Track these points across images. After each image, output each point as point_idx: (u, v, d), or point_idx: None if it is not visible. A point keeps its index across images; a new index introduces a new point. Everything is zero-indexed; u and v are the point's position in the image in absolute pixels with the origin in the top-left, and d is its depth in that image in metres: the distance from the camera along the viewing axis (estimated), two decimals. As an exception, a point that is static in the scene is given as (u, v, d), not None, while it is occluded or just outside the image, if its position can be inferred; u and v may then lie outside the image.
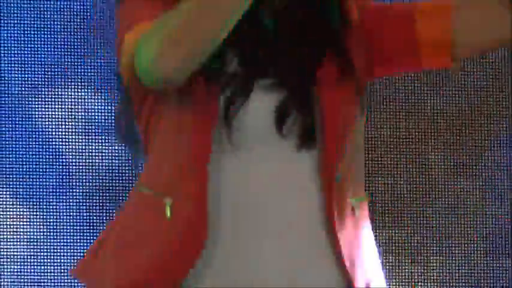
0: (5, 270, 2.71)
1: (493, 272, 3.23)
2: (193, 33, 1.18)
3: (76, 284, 2.64)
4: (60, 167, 2.75)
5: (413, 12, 1.32)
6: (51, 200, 2.75)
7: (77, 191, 2.77)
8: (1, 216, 2.71)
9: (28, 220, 2.71)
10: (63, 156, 2.75)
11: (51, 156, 2.77)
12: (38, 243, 2.75)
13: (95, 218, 2.77)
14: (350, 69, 1.29)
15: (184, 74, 1.17)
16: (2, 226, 2.72)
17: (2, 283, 2.69)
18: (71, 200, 2.77)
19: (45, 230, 2.76)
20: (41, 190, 2.74)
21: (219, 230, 1.23)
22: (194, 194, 1.22)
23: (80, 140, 2.79)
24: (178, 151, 1.25)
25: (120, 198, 2.80)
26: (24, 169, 2.75)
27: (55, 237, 2.76)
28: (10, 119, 2.79)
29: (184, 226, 1.23)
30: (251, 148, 1.24)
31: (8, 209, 2.71)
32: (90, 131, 2.85)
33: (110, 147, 2.79)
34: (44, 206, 2.74)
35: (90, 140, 2.80)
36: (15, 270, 2.70)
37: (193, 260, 1.20)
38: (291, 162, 1.26)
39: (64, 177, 2.76)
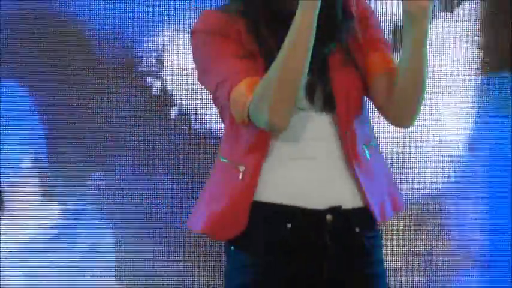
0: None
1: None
2: (292, 85, 1.79)
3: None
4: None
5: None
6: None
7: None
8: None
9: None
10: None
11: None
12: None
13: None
14: (350, 57, 1.89)
15: (288, 120, 1.80)
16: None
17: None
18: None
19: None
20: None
21: (278, 155, 1.88)
22: (255, 164, 1.86)
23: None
24: (248, 133, 1.85)
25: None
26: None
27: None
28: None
29: (247, 184, 1.87)
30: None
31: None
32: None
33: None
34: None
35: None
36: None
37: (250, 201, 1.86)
38: (318, 120, 1.88)
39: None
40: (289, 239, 1.91)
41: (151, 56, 3.39)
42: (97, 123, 3.20)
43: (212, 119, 3.10)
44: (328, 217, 1.93)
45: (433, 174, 3.86)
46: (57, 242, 3.13)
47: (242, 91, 1.87)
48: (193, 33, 2.04)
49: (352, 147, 1.95)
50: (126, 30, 3.25)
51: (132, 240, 3.30)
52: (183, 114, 3.38)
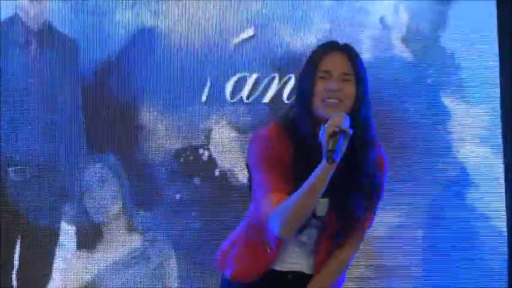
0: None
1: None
2: (299, 219, 2.58)
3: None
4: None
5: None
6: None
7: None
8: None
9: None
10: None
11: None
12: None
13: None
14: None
15: (292, 236, 2.62)
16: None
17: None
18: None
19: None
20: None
21: (287, 252, 2.69)
22: (280, 242, 2.67)
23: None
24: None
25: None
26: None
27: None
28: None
29: (271, 254, 2.68)
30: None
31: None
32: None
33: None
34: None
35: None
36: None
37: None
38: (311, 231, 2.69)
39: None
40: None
41: (202, 135, 4.60)
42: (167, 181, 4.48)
43: (244, 177, 4.27)
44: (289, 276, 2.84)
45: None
46: (137, 259, 4.43)
47: (270, 203, 2.69)
48: (257, 141, 2.80)
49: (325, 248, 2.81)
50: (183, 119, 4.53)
51: (188, 258, 4.47)
52: (224, 173, 4.61)
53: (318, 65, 2.77)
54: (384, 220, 4.68)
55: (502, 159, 4.78)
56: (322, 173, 2.61)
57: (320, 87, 2.73)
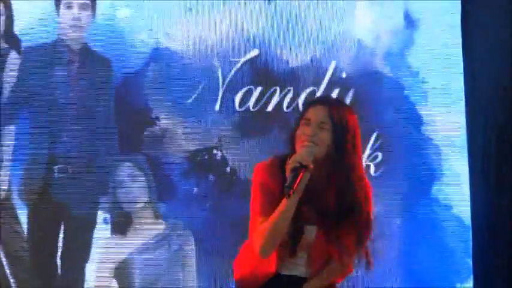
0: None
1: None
2: (276, 240, 2.98)
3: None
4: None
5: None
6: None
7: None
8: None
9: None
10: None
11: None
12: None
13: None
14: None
15: (267, 257, 3.03)
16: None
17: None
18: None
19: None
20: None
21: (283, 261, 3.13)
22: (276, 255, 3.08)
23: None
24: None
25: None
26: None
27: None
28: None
29: (271, 260, 3.08)
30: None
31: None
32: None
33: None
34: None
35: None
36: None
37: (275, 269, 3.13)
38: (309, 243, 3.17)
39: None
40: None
41: (216, 138, 5.05)
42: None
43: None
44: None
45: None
46: (161, 243, 4.96)
47: (254, 225, 3.10)
48: (256, 170, 3.18)
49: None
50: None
51: (203, 242, 4.94)
52: (234, 170, 5.04)
53: (303, 114, 3.16)
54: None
55: (467, 157, 5.11)
56: (284, 205, 3.00)
57: (300, 131, 3.11)
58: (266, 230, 3.08)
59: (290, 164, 3.01)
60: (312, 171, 2.99)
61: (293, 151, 3.10)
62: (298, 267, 3.25)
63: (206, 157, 5.08)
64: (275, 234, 3.07)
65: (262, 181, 3.19)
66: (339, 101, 3.33)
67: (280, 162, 3.17)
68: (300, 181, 2.96)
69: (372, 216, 3.20)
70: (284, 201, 3.03)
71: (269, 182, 3.17)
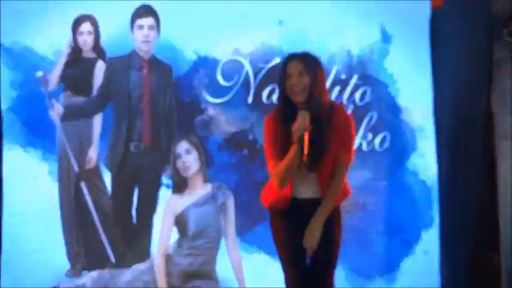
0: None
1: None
2: (290, 174, 3.67)
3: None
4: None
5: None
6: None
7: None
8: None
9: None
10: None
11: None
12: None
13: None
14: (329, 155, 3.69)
15: (286, 185, 3.73)
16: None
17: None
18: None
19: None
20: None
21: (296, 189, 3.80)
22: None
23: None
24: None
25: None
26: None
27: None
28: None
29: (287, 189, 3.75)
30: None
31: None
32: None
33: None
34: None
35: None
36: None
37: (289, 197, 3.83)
38: (308, 176, 3.77)
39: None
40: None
41: (249, 123, 5.59)
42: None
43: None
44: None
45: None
46: (209, 200, 5.48)
47: (270, 167, 3.57)
48: (265, 123, 3.65)
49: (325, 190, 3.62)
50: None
51: (240, 198, 5.45)
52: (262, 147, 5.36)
53: (284, 71, 3.56)
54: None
55: (434, 138, 5.67)
56: (293, 150, 3.47)
57: (288, 84, 3.50)
58: (281, 170, 3.56)
59: (295, 135, 3.45)
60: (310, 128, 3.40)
61: (286, 100, 3.47)
62: (308, 191, 3.70)
63: (242, 137, 5.66)
64: (288, 172, 3.58)
65: (271, 130, 3.61)
66: (307, 54, 3.61)
67: (281, 110, 3.57)
68: (307, 143, 3.45)
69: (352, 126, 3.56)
70: (293, 146, 3.45)
71: (276, 129, 3.57)
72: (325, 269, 3.71)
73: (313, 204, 3.68)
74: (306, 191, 3.67)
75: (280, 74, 3.60)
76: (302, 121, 3.42)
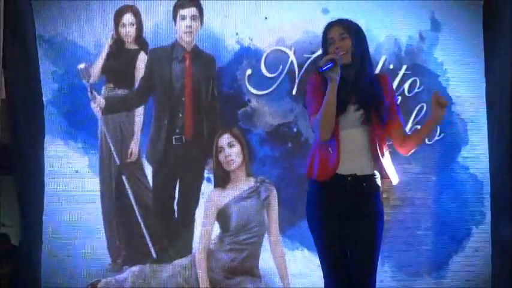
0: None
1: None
2: (329, 123, 3.43)
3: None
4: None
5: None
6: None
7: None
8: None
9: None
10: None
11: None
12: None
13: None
14: (381, 111, 3.52)
15: (329, 136, 3.46)
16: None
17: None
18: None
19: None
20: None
21: (343, 152, 3.51)
22: (336, 141, 3.47)
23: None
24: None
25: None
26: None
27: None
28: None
29: (334, 155, 3.47)
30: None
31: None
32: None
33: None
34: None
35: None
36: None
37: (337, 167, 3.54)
38: (360, 131, 3.54)
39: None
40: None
41: (293, 115, 5.60)
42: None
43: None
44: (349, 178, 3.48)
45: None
46: (252, 194, 5.53)
47: (312, 120, 3.44)
48: (307, 83, 3.58)
49: (377, 148, 3.43)
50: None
51: (283, 192, 5.46)
52: (306, 139, 5.56)
53: (325, 38, 3.56)
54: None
55: (488, 138, 5.59)
56: (329, 89, 3.38)
57: (331, 50, 3.51)
58: (319, 117, 3.46)
59: (326, 56, 3.47)
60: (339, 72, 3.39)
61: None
62: (355, 167, 3.55)
63: (285, 129, 5.62)
64: (326, 117, 3.46)
65: (315, 85, 3.58)
66: (346, 19, 3.66)
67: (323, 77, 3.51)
68: (328, 69, 3.37)
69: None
70: (328, 89, 3.42)
71: (320, 86, 3.54)
72: (366, 268, 3.60)
73: (358, 183, 3.55)
74: (351, 168, 3.55)
75: (323, 43, 3.61)
76: (334, 54, 3.48)
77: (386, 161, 3.59)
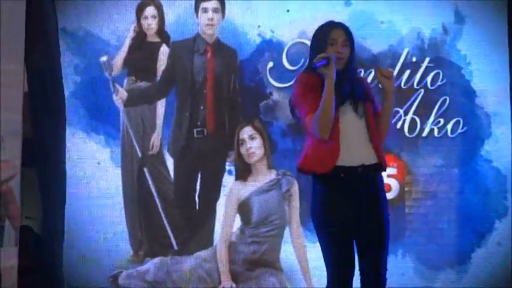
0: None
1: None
2: (329, 120, 3.42)
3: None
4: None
5: None
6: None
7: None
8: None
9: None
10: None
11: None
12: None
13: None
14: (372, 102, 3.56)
15: (328, 134, 3.46)
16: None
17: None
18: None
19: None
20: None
21: (343, 143, 3.49)
22: (335, 133, 3.46)
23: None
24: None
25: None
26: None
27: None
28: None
29: (334, 146, 3.47)
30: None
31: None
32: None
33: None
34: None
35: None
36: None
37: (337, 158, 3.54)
38: (358, 122, 3.54)
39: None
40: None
41: None
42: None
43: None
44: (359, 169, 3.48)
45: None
46: (274, 186, 5.53)
47: (307, 120, 3.42)
48: (296, 81, 3.53)
49: (375, 135, 3.46)
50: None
51: (303, 186, 5.37)
52: None
53: (327, 36, 3.54)
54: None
55: (510, 126, 5.61)
56: (326, 85, 3.38)
57: (331, 50, 3.52)
58: (319, 115, 3.45)
59: (319, 56, 3.46)
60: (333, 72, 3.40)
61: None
62: (362, 158, 3.56)
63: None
64: (326, 114, 3.46)
65: (307, 83, 3.56)
66: (345, 24, 3.70)
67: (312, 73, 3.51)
68: (322, 65, 3.41)
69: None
70: (326, 85, 3.42)
71: (313, 82, 3.52)
72: (377, 250, 3.58)
73: (368, 173, 3.58)
74: (361, 155, 3.56)
75: (320, 40, 3.60)
76: (330, 54, 3.49)
77: (383, 153, 3.64)
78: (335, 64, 3.45)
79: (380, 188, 3.61)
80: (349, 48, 3.59)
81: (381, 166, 3.60)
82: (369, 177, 3.56)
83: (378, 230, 3.55)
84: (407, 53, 5.62)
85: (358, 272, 3.59)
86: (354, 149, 3.55)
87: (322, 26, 3.63)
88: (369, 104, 3.60)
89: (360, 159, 3.54)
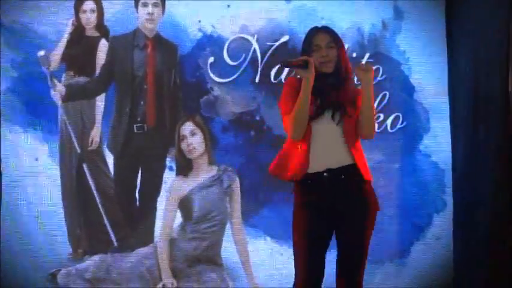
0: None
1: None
2: (302, 121, 3.45)
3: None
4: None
5: None
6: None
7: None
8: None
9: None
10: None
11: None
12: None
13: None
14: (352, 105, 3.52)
15: (301, 136, 3.49)
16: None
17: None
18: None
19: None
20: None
21: (314, 149, 3.49)
22: (307, 141, 3.49)
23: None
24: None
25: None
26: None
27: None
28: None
29: (304, 153, 3.46)
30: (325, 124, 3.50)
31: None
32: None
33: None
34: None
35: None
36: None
37: (307, 165, 3.54)
38: (334, 129, 3.52)
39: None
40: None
41: (256, 103, 5.54)
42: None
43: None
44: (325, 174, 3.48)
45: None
46: (214, 182, 5.51)
47: (285, 119, 3.47)
48: (284, 84, 3.61)
49: (351, 142, 3.43)
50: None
51: (245, 180, 5.43)
52: (269, 128, 5.54)
53: (310, 43, 3.59)
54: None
55: (448, 119, 5.61)
56: (302, 87, 3.44)
57: (316, 56, 3.55)
58: (292, 116, 3.50)
59: (299, 58, 3.53)
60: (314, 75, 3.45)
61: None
62: (328, 161, 3.55)
63: (248, 117, 5.61)
64: (300, 115, 3.51)
65: (291, 86, 3.63)
66: (329, 27, 3.73)
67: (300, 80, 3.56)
68: (296, 67, 3.50)
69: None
70: (300, 93, 3.47)
71: (296, 87, 3.59)
72: (354, 263, 3.63)
73: (336, 177, 3.56)
74: (325, 161, 3.56)
75: (305, 46, 3.64)
76: (308, 58, 3.52)
77: (361, 156, 3.62)
78: (324, 67, 3.52)
79: (356, 193, 3.55)
80: (336, 49, 3.60)
81: (355, 167, 3.55)
82: (340, 181, 3.53)
83: (353, 238, 3.55)
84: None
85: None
86: (323, 155, 3.54)
87: (307, 33, 3.67)
88: (352, 108, 3.59)
89: (328, 164, 3.54)
